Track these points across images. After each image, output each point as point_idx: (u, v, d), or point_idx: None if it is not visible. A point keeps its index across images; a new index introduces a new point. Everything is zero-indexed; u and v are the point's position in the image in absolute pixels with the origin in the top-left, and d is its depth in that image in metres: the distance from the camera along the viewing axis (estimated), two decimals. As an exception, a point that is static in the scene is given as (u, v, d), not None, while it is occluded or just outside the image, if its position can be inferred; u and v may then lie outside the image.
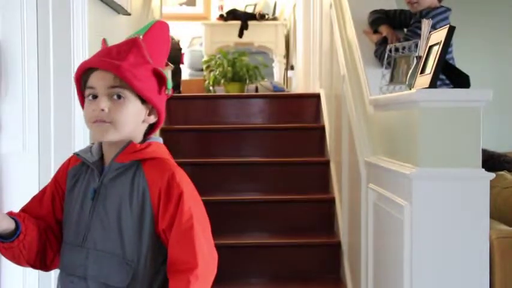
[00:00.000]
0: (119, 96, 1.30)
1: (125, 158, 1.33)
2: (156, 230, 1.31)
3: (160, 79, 1.34)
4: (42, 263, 1.41)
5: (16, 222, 1.34)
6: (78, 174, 1.40)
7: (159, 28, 1.38)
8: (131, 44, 1.32)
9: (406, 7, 2.76)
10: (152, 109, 1.36)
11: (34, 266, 1.41)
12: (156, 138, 1.42)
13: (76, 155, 1.41)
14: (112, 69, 1.29)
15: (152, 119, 1.38)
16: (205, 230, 1.33)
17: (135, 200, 1.31)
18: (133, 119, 1.33)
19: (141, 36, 1.33)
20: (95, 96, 1.31)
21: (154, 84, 1.33)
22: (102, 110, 1.29)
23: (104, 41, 1.37)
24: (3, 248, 1.35)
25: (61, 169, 1.45)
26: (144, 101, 1.33)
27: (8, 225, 1.32)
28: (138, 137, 1.37)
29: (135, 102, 1.32)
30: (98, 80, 1.30)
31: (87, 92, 1.33)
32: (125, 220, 1.31)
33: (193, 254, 1.27)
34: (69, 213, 1.39)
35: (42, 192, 1.45)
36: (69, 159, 1.45)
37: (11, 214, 1.36)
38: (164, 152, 1.38)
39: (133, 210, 1.31)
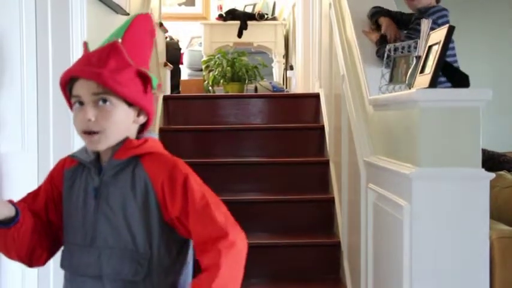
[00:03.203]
0: (105, 101, 1.30)
1: (123, 154, 1.33)
2: (165, 219, 1.31)
3: (145, 79, 1.34)
4: (29, 258, 1.40)
5: (16, 210, 1.35)
6: (74, 176, 1.40)
7: (140, 22, 1.37)
8: (110, 49, 1.31)
9: (405, 7, 2.76)
10: (141, 110, 1.36)
11: (21, 259, 1.41)
12: (152, 134, 1.42)
13: (72, 156, 1.41)
14: (93, 77, 1.29)
15: (142, 119, 1.38)
16: (221, 206, 1.32)
17: (139, 193, 1.31)
18: (122, 123, 1.33)
19: (120, 40, 1.33)
20: (81, 103, 1.31)
21: (139, 86, 1.33)
22: (89, 120, 1.30)
23: (85, 44, 1.37)
24: None
25: (56, 168, 1.44)
26: (130, 103, 1.33)
27: (9, 212, 1.33)
28: (132, 137, 1.37)
29: (122, 106, 1.32)
30: (82, 89, 1.31)
31: (73, 100, 1.33)
32: (131, 214, 1.31)
33: (217, 226, 1.26)
34: (72, 214, 1.38)
35: (37, 190, 1.45)
36: (64, 160, 1.44)
37: (11, 202, 1.36)
38: (161, 148, 1.39)
39: (138, 203, 1.31)
